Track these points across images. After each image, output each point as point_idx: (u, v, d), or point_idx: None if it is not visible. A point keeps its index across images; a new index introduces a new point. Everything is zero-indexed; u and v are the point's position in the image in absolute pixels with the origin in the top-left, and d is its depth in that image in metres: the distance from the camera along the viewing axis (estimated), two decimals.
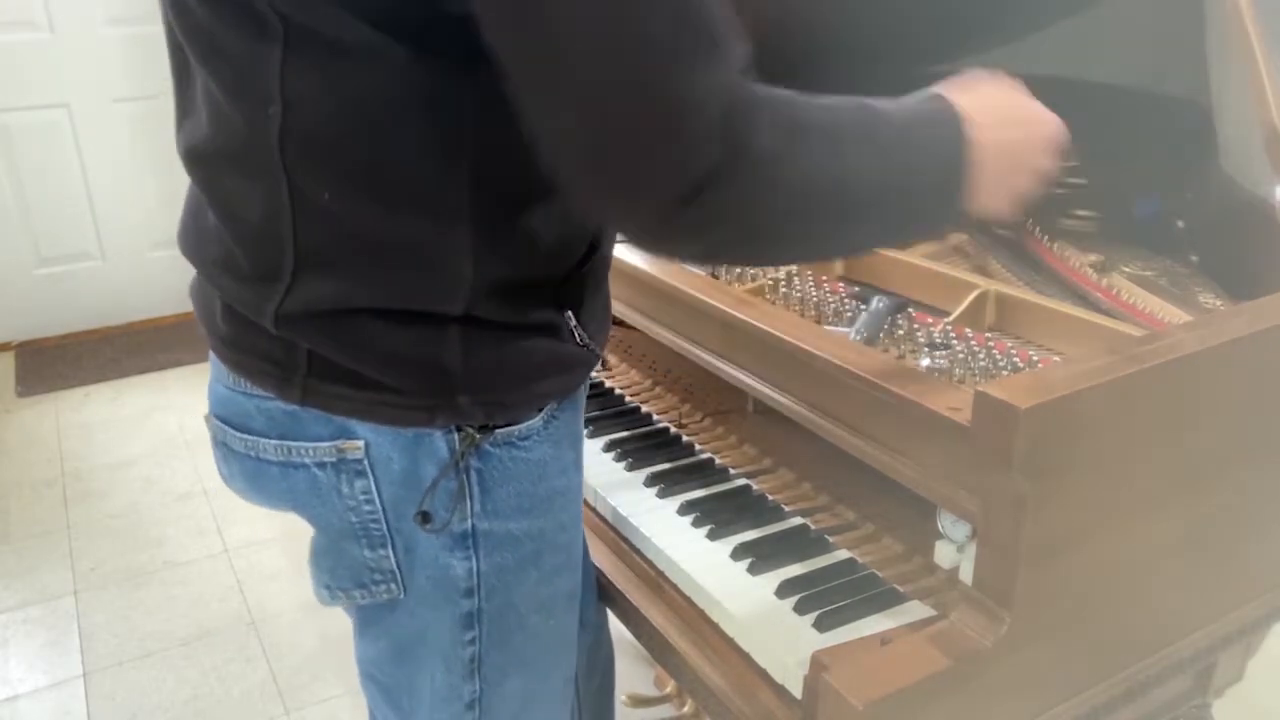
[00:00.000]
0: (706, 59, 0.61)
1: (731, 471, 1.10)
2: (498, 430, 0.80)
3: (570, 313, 0.81)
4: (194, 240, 0.81)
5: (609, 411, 1.24)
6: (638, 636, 0.98)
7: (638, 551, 1.01)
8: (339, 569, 0.85)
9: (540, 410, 0.83)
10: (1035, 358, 0.91)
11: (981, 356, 0.91)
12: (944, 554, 0.85)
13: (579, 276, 0.81)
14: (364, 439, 0.79)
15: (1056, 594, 0.77)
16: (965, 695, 0.75)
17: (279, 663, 2.01)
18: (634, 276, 1.14)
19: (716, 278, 1.13)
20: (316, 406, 0.78)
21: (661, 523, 1.01)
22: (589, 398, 1.27)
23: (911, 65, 1.93)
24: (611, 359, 1.39)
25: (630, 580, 0.99)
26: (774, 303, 1.06)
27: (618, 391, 1.30)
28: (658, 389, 1.30)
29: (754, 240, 0.69)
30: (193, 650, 2.02)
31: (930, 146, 0.73)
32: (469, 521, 0.81)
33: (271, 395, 0.79)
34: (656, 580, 0.97)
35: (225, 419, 0.84)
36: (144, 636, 2.09)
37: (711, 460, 1.12)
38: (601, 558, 1.03)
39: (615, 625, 1.07)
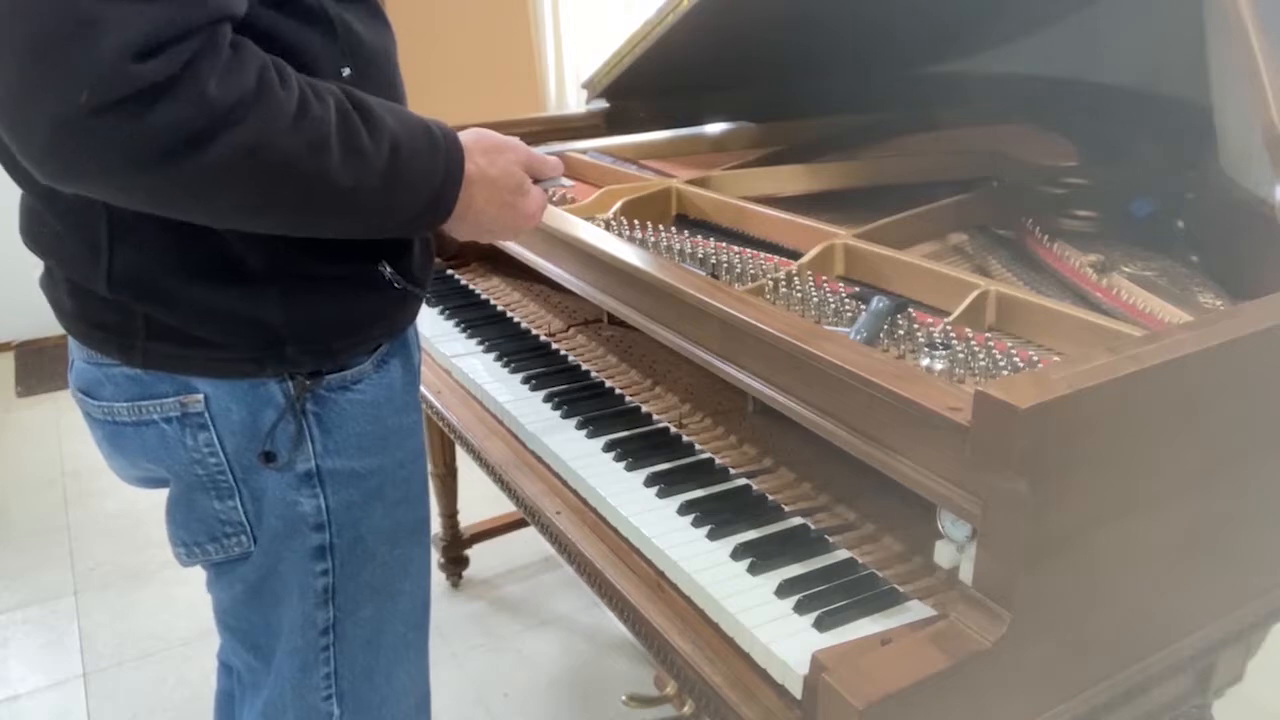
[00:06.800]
0: None
1: (731, 471, 1.10)
2: (330, 376, 0.86)
3: (385, 262, 0.86)
4: (27, 223, 0.85)
5: (609, 411, 1.24)
6: (638, 636, 0.98)
7: (638, 551, 1.01)
8: (192, 522, 0.91)
9: (371, 354, 0.89)
10: (1035, 358, 0.91)
11: (981, 356, 0.91)
12: (944, 554, 0.85)
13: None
14: (203, 392, 0.84)
15: (1056, 594, 0.77)
16: (965, 695, 0.75)
17: None
18: (634, 276, 1.14)
19: (716, 277, 1.13)
20: (157, 368, 0.83)
21: (661, 523, 1.01)
22: (589, 397, 1.28)
23: (911, 65, 1.94)
24: (611, 359, 1.39)
25: (630, 580, 0.99)
26: (774, 303, 1.06)
27: (618, 391, 1.30)
28: (658, 389, 1.30)
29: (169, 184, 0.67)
30: (193, 650, 2.02)
31: (415, 172, 0.78)
32: (313, 461, 0.87)
33: (118, 361, 0.84)
34: (656, 580, 0.97)
35: (85, 390, 0.89)
36: (144, 636, 2.09)
37: (711, 460, 1.12)
38: (601, 557, 1.03)
39: (615, 625, 1.07)
